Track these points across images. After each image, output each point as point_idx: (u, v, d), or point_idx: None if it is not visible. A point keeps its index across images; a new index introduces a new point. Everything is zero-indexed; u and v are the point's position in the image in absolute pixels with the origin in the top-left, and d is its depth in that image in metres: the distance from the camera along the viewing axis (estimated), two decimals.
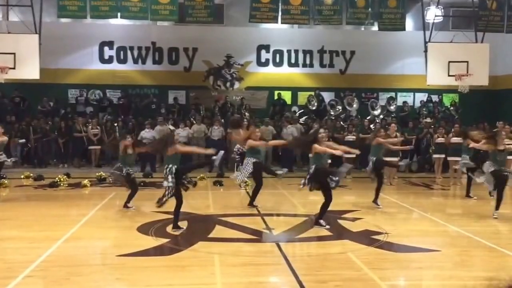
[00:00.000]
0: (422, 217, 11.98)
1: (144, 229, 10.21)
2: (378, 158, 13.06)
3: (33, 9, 17.81)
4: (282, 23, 19.98)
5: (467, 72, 18.67)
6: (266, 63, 25.77)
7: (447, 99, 25.89)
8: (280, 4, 19.02)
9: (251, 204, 12.54)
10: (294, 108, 24.87)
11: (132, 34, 24.61)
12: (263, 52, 25.72)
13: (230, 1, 24.90)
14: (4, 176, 16.13)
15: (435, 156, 18.36)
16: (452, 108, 24.85)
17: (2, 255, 8.52)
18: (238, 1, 23.47)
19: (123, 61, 24.96)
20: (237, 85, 25.52)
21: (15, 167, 18.13)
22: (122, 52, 24.94)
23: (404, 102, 25.33)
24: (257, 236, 10.01)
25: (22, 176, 17.24)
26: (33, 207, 12.74)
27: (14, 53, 17.02)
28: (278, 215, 11.98)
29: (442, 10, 21.79)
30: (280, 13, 19.17)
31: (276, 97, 25.02)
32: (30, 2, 17.82)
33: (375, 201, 12.94)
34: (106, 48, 24.83)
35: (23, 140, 20.18)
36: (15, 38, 17.30)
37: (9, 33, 17.57)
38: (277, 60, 25.81)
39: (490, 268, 8.14)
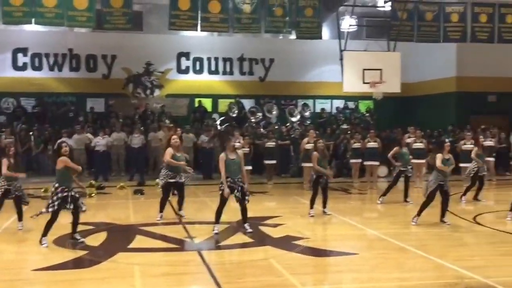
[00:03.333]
0: (341, 221, 12.24)
1: (61, 241, 9.89)
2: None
3: None
4: (201, 30, 19.93)
5: (381, 80, 19.20)
6: (186, 71, 25.72)
7: (363, 106, 26.62)
8: (199, 12, 18.98)
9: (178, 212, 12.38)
10: (215, 116, 24.91)
11: (47, 41, 23.94)
12: (183, 59, 25.66)
13: (149, 8, 24.68)
14: None
15: (352, 161, 18.83)
16: (367, 114, 25.58)
17: None
18: (157, 8, 23.30)
19: (38, 68, 24.28)
20: (157, 92, 25.31)
21: None
22: (37, 59, 24.26)
23: (322, 109, 25.88)
24: (179, 245, 9.97)
25: None
26: None
27: None
28: (200, 223, 11.94)
29: (356, 20, 22.40)
30: (199, 21, 19.13)
31: (196, 105, 24.99)
32: None
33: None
34: (19, 55, 24.05)
35: None
36: None
37: None
38: (197, 67, 25.81)
39: (405, 270, 8.44)
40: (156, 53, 24.86)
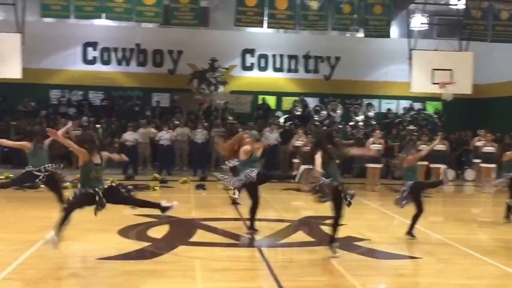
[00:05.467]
0: (403, 224, 11.69)
1: (125, 232, 10.09)
2: (415, 182, 10.67)
3: (16, 8, 17.65)
4: (268, 27, 19.92)
5: (451, 80, 18.76)
6: (251, 67, 25.77)
7: (430, 107, 26.00)
8: (266, 8, 18.95)
9: (251, 228, 10.59)
10: (278, 113, 24.87)
11: (116, 35, 24.44)
12: (248, 56, 25.72)
13: (216, 4, 24.84)
14: None
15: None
16: (435, 115, 24.96)
17: None
18: (224, 4, 23.41)
19: (106, 62, 24.85)
20: (221, 88, 25.43)
21: None
22: (106, 53, 24.83)
23: (388, 109, 25.44)
24: (239, 241, 9.99)
25: (1, 177, 16.99)
26: (12, 209, 12.57)
27: None
28: (260, 219, 11.87)
29: (428, 18, 21.89)
30: (266, 18, 19.11)
31: (260, 102, 25.01)
32: (12, 0, 17.63)
33: (410, 232, 10.50)
34: (89, 49, 24.68)
35: None
36: None
37: None
38: (262, 64, 25.81)
39: (470, 276, 8.17)
40: (221, 49, 24.97)
